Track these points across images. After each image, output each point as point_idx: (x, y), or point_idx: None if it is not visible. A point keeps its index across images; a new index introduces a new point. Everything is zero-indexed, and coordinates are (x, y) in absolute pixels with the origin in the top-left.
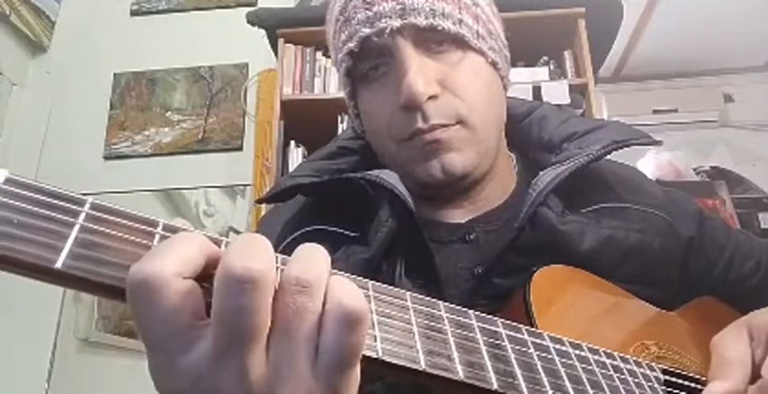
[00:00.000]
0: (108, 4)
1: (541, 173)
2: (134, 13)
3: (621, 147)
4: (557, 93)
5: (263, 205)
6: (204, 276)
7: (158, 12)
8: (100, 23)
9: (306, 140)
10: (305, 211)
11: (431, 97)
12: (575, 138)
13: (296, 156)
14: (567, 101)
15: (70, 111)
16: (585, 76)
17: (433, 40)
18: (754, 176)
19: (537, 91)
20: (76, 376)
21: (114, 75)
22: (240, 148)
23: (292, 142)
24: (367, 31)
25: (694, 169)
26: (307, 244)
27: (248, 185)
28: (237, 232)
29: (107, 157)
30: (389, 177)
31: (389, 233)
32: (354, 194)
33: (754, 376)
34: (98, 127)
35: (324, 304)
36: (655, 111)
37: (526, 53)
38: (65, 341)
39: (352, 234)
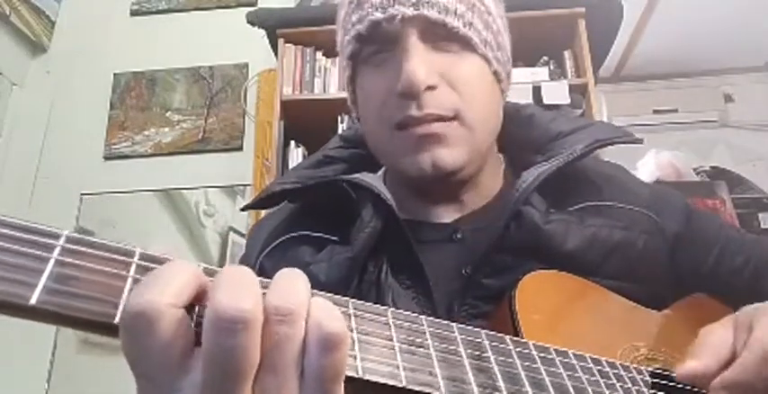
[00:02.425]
0: (108, 4)
1: (525, 172)
2: (134, 13)
3: (604, 146)
4: (557, 93)
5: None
6: (191, 305)
7: (158, 12)
8: (100, 23)
9: (306, 140)
10: (290, 218)
11: (429, 87)
12: (560, 137)
13: (296, 156)
14: (567, 101)
15: (70, 111)
16: (585, 76)
17: (441, 36)
18: (754, 176)
19: (537, 91)
20: (76, 376)
21: (114, 75)
22: (240, 148)
23: (292, 142)
24: (378, 15)
25: (694, 169)
26: (286, 270)
27: (248, 185)
28: (237, 232)
29: (107, 157)
30: (372, 180)
31: (373, 233)
32: (338, 199)
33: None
34: (98, 127)
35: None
36: (655, 112)
37: (526, 53)
38: (65, 341)
39: (334, 237)
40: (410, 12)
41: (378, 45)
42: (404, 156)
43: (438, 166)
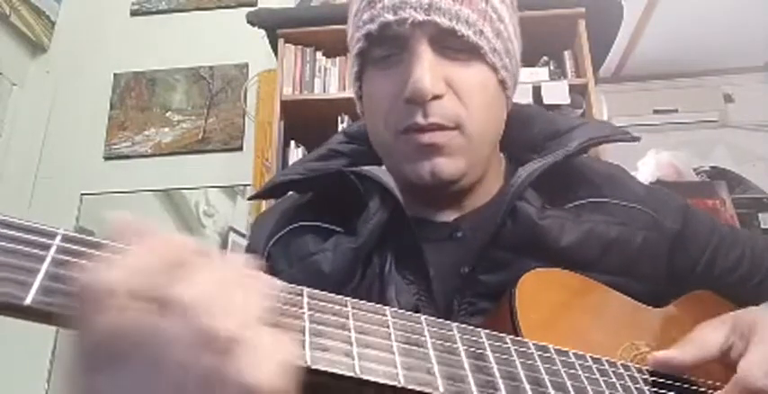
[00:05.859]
0: (108, 4)
1: (520, 169)
2: (134, 13)
3: (599, 144)
4: (557, 93)
5: (264, 203)
6: None
7: (158, 12)
8: (100, 23)
9: (306, 140)
10: (294, 208)
11: (435, 96)
12: (557, 136)
13: (296, 156)
14: (567, 101)
15: (70, 111)
16: (585, 76)
17: (450, 43)
18: (754, 176)
19: (537, 91)
20: None
21: (114, 75)
22: (240, 148)
23: (292, 142)
24: (389, 17)
25: (694, 169)
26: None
27: (248, 185)
28: (237, 232)
29: (107, 157)
30: (380, 173)
31: (379, 225)
32: (344, 191)
33: (726, 364)
34: (98, 127)
35: None
36: (655, 112)
37: (526, 53)
38: (65, 341)
39: (340, 229)
40: (420, 17)
41: (387, 46)
42: (405, 162)
43: (436, 175)
